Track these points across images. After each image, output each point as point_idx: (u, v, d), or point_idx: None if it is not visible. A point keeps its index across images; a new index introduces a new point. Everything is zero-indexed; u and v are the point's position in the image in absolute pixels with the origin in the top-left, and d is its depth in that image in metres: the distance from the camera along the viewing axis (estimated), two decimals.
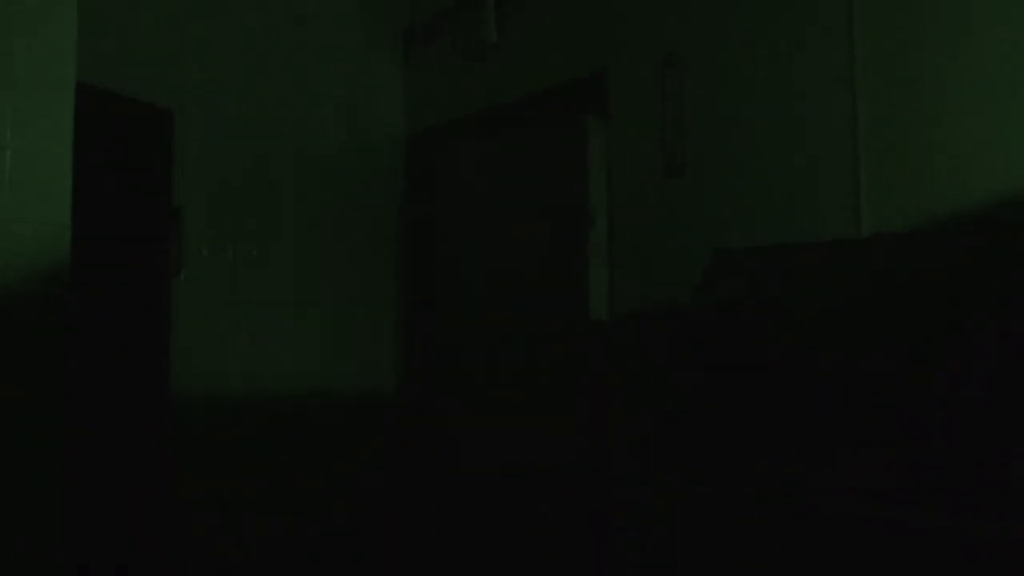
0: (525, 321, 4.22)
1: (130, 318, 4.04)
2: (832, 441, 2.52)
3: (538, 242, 4.21)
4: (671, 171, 3.74)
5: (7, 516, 2.24)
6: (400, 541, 4.97)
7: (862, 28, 3.10)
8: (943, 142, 2.82)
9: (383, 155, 5.36)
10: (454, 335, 4.69)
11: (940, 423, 2.28)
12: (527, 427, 4.15)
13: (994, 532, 2.14)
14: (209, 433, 4.28)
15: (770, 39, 3.41)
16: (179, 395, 4.15)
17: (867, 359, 2.49)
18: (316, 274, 4.90)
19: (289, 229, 4.81)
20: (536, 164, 4.28)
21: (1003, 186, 2.59)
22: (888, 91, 3.01)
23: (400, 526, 4.99)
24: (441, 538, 4.57)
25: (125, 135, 4.08)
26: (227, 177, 4.53)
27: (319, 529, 4.68)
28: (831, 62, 3.20)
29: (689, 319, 3.19)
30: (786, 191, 3.30)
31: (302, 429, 4.70)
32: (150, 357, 4.10)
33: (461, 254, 4.70)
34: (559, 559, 3.94)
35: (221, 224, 4.49)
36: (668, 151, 3.76)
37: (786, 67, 3.34)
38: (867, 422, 2.47)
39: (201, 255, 4.40)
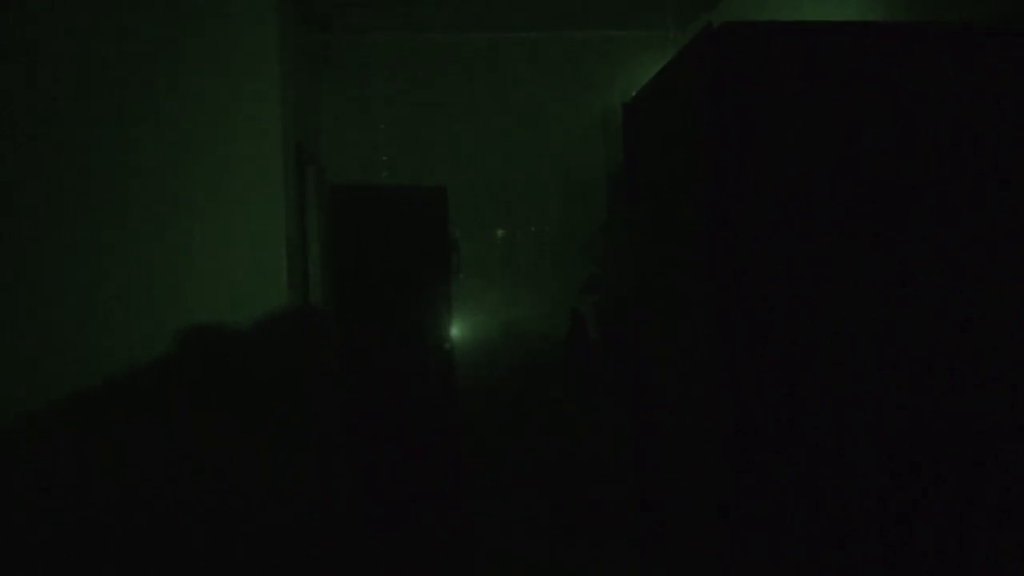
0: None
1: (436, 299, 7.57)
2: None
3: None
4: None
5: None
6: None
7: None
8: None
9: (585, 191, 8.35)
10: None
11: None
12: None
13: None
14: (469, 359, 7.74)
15: None
16: (457, 336, 7.64)
17: None
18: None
19: (520, 249, 8.06)
20: None
21: None
22: None
23: None
24: None
25: (425, 201, 7.59)
26: (480, 222, 7.90)
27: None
28: None
29: None
30: None
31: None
32: (444, 316, 7.59)
33: None
34: None
35: (478, 249, 7.89)
36: None
37: None
38: None
39: (467, 266, 7.85)
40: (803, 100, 2.48)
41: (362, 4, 7.87)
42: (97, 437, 4.71)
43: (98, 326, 5.30)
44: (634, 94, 3.55)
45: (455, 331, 7.67)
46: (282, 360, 5.45)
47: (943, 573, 2.50)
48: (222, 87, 5.82)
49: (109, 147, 5.42)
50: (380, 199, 7.40)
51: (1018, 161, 2.54)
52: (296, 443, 4.92)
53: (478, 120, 8.98)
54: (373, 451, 6.95)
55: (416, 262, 7.39)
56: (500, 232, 9.07)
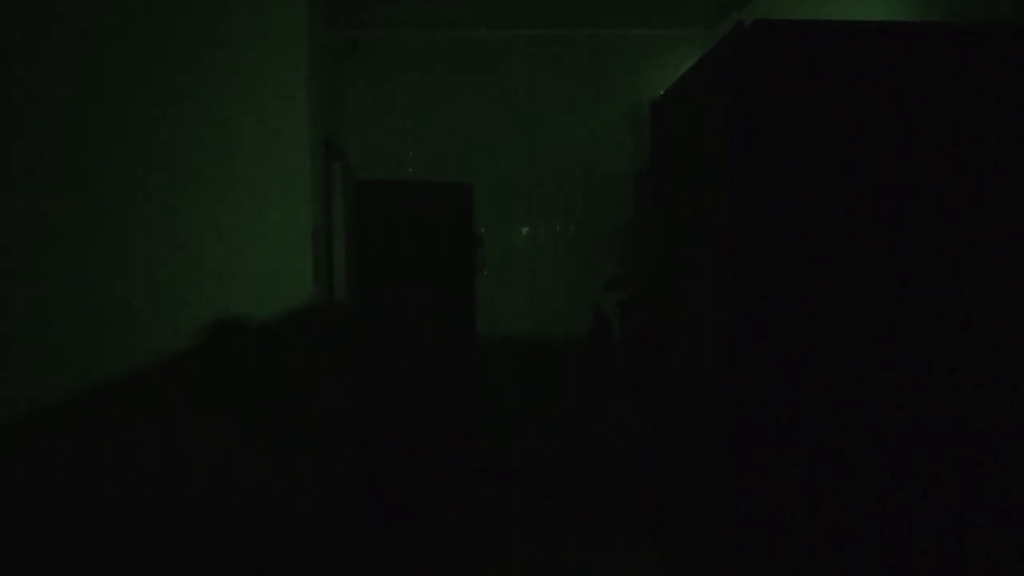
0: None
1: (460, 294, 7.59)
2: None
3: None
4: None
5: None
6: None
7: None
8: None
9: (610, 189, 8.34)
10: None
11: None
12: None
13: None
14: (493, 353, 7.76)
15: None
16: (481, 333, 7.66)
17: None
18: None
19: (545, 247, 8.06)
20: None
21: None
22: None
23: None
24: None
25: (451, 197, 7.61)
26: (505, 219, 7.91)
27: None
28: None
29: None
30: None
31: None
32: (469, 312, 7.61)
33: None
34: None
35: (503, 246, 7.90)
36: None
37: None
38: None
39: (491, 263, 7.86)
40: (834, 99, 2.48)
41: (389, 1, 7.91)
42: (110, 431, 4.78)
43: (123, 319, 5.37)
44: (663, 92, 3.54)
45: (479, 327, 7.69)
46: (304, 353, 5.49)
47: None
48: (250, 82, 5.87)
49: (134, 139, 5.48)
50: (405, 194, 7.43)
51: None
52: (303, 440, 4.96)
53: (504, 117, 8.99)
54: (386, 447, 6.99)
55: (441, 258, 7.42)
56: (525, 230, 9.09)
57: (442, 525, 4.92)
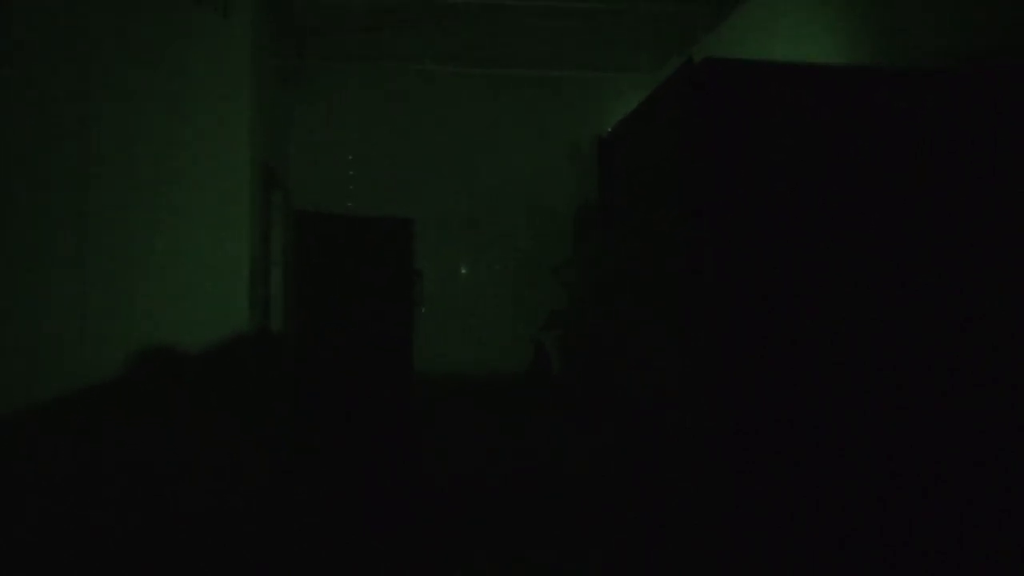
0: None
1: (398, 329, 7.51)
2: None
3: None
4: None
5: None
6: None
7: None
8: None
9: (552, 226, 8.42)
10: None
11: None
12: None
13: None
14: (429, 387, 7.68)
15: None
16: (420, 367, 7.59)
17: None
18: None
19: (484, 284, 8.08)
20: None
21: None
22: None
23: None
24: None
25: (391, 232, 7.58)
26: (445, 255, 7.90)
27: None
28: None
29: None
30: None
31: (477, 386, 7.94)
32: (405, 348, 7.53)
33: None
34: None
35: (443, 282, 7.88)
36: None
37: None
38: None
39: (430, 298, 7.83)
40: (777, 130, 2.59)
41: (336, 32, 7.92)
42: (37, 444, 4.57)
43: (52, 338, 5.16)
44: (610, 128, 3.61)
45: (418, 362, 7.63)
46: (234, 381, 5.36)
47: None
48: (193, 108, 5.79)
49: (72, 160, 5.33)
50: (346, 227, 7.36)
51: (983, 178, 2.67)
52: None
53: (448, 152, 9.04)
54: (319, 477, 6.82)
55: (380, 292, 7.35)
56: (466, 266, 9.10)
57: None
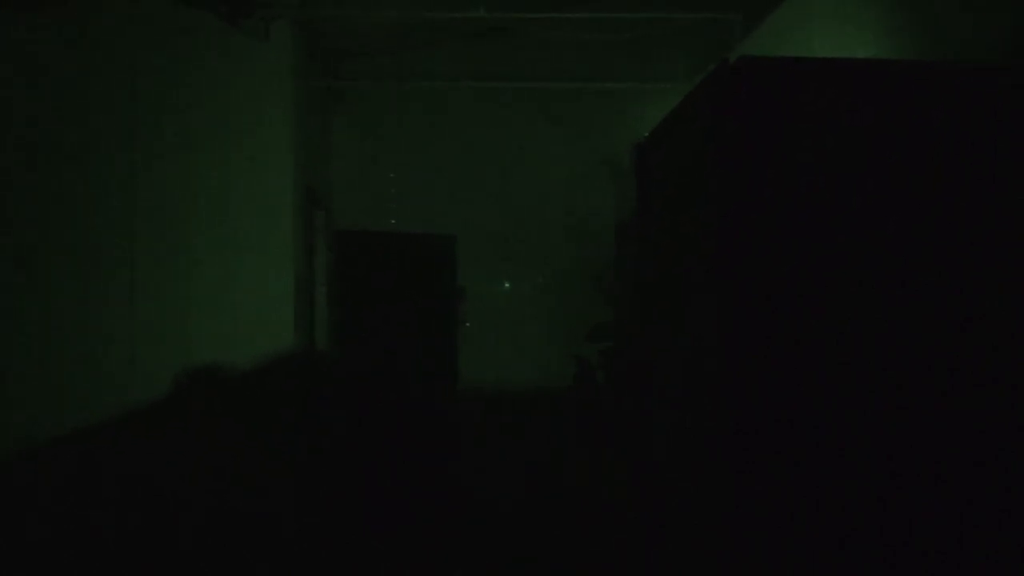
0: None
1: (442, 345, 7.55)
2: None
3: None
4: None
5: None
6: None
7: None
8: None
9: (592, 238, 8.40)
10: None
11: None
12: None
13: None
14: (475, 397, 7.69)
15: None
16: (464, 381, 7.60)
17: None
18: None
19: (527, 300, 8.08)
20: None
21: None
22: None
23: None
24: None
25: (434, 249, 7.63)
26: (488, 272, 7.93)
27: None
28: None
29: None
30: None
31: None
32: (451, 365, 7.56)
33: None
34: None
35: (486, 299, 7.90)
36: None
37: None
38: None
39: (474, 315, 7.85)
40: (812, 129, 2.56)
41: (374, 53, 8.03)
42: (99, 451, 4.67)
43: (104, 361, 5.28)
44: (647, 135, 3.60)
45: (462, 379, 7.63)
46: (281, 398, 5.42)
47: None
48: (237, 131, 5.91)
49: (120, 186, 5.47)
50: (388, 245, 7.43)
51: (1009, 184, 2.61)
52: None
53: (488, 168, 9.09)
54: (363, 497, 6.85)
55: (423, 310, 7.39)
56: (508, 280, 9.11)
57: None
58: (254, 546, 4.24)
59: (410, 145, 9.12)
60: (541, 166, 9.09)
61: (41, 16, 5.27)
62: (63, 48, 5.37)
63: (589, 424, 7.89)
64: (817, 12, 6.08)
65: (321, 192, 7.57)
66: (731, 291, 2.54)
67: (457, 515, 5.46)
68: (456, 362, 7.44)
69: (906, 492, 2.55)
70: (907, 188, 2.61)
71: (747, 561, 2.52)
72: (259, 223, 5.75)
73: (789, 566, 2.52)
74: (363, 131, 9.01)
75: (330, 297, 7.13)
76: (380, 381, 6.98)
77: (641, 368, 3.43)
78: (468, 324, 8.20)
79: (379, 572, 4.16)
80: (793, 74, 2.60)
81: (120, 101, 5.53)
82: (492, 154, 9.16)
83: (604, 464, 7.03)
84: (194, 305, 5.49)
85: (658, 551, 3.35)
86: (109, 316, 5.25)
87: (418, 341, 7.25)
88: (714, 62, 7.54)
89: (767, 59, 2.60)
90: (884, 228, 2.59)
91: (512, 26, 7.30)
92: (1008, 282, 2.61)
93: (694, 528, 2.89)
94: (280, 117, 6.01)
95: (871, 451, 2.55)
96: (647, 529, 3.42)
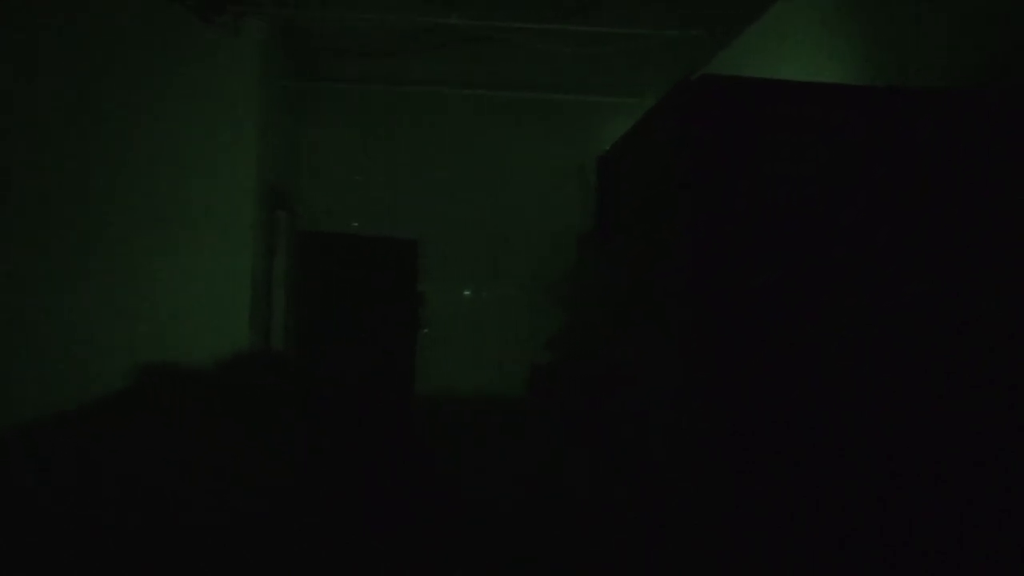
0: None
1: (400, 350, 7.48)
2: None
3: None
4: None
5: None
6: None
7: None
8: None
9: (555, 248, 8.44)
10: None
11: None
12: None
13: None
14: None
15: None
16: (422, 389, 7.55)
17: None
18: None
19: (487, 307, 8.06)
20: None
21: None
22: None
23: None
24: None
25: (396, 253, 7.58)
26: (449, 278, 7.90)
27: None
28: None
29: None
30: None
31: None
32: (407, 368, 7.49)
33: None
34: None
35: (448, 305, 7.88)
36: None
37: None
38: None
39: (433, 321, 7.83)
40: (768, 144, 2.62)
41: (346, 54, 7.98)
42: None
43: (57, 351, 5.17)
44: (608, 148, 3.63)
45: (420, 384, 7.59)
46: (231, 397, 5.34)
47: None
48: (200, 127, 5.83)
49: (77, 176, 5.37)
50: (349, 248, 7.38)
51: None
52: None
53: (455, 174, 9.07)
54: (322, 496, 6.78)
55: (382, 314, 7.34)
56: (467, 291, 9.09)
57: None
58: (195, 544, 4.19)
59: (379, 148, 9.07)
60: (509, 174, 9.09)
61: None
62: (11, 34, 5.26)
63: (540, 429, 7.88)
64: (785, 34, 6.18)
65: (286, 192, 7.50)
66: (700, 296, 2.61)
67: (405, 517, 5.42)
68: (413, 368, 7.42)
69: (880, 501, 2.60)
70: (865, 205, 2.68)
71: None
72: (219, 221, 5.68)
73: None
74: (334, 132, 8.94)
75: (288, 297, 7.07)
76: (336, 384, 6.91)
77: (610, 373, 3.46)
78: (427, 331, 8.14)
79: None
80: (751, 93, 2.66)
81: (78, 89, 5.43)
82: (460, 160, 9.14)
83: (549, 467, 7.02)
84: (147, 303, 5.39)
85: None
86: (61, 313, 5.15)
87: (376, 346, 7.21)
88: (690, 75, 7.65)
89: (724, 77, 2.66)
90: (844, 240, 2.67)
91: (484, 35, 7.31)
92: (968, 294, 2.69)
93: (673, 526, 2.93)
94: (246, 115, 5.95)
95: (842, 455, 2.60)
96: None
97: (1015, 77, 3.75)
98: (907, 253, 2.68)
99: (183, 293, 5.53)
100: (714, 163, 2.59)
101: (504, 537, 4.93)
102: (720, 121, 2.59)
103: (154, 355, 5.29)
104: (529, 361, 8.24)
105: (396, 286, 7.44)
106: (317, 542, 4.42)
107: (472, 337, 8.84)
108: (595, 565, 4.17)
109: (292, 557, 4.25)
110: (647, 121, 3.07)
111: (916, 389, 2.63)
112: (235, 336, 5.67)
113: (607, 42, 7.33)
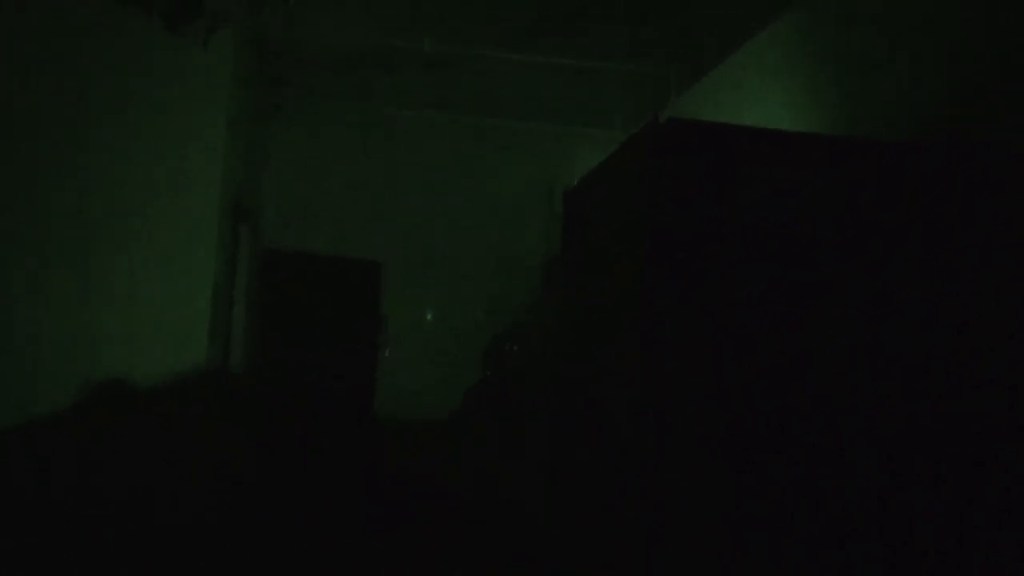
0: None
1: (360, 371, 7.42)
2: None
3: None
4: None
5: None
6: None
7: None
8: None
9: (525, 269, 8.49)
10: None
11: None
12: None
13: None
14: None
15: None
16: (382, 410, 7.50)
17: None
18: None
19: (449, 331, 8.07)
20: None
21: None
22: None
23: None
24: None
25: (359, 274, 7.55)
26: (412, 301, 7.89)
27: None
28: None
29: None
30: None
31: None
32: (367, 388, 7.43)
33: None
34: None
35: (407, 327, 7.86)
36: None
37: None
38: None
39: (394, 343, 7.80)
40: (731, 187, 2.72)
41: (317, 72, 7.98)
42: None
43: (8, 360, 5.04)
44: (576, 181, 3.68)
45: (380, 405, 7.55)
46: (187, 413, 5.27)
47: None
48: (163, 139, 5.77)
49: (33, 184, 5.29)
50: (313, 267, 7.34)
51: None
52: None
53: (423, 197, 9.09)
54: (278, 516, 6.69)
55: (343, 334, 7.30)
56: (430, 315, 9.09)
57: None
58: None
59: (346, 167, 9.06)
60: (476, 199, 9.13)
61: None
62: None
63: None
64: (750, 75, 6.33)
65: (250, 208, 7.44)
66: (657, 325, 2.66)
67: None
68: (373, 388, 7.38)
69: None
70: (821, 249, 2.77)
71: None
72: (180, 234, 5.61)
73: None
74: (302, 149, 8.92)
75: (249, 314, 7.00)
76: (294, 403, 6.85)
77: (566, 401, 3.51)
78: (388, 354, 8.10)
79: None
80: (717, 137, 2.73)
81: (35, 104, 5.35)
82: (427, 183, 9.17)
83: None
84: (105, 314, 5.30)
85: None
86: (13, 322, 5.03)
87: (336, 365, 7.16)
88: (651, 112, 7.77)
89: (690, 122, 2.74)
90: (800, 279, 2.77)
91: (456, 61, 7.37)
92: (909, 328, 2.79)
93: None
94: (211, 129, 5.91)
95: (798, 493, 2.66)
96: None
97: (964, 128, 3.90)
98: (863, 298, 2.77)
99: (141, 306, 5.44)
100: (678, 204, 2.66)
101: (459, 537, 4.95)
102: (685, 164, 2.66)
103: (109, 368, 5.20)
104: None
105: (358, 307, 7.40)
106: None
107: (434, 360, 8.83)
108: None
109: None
110: (614, 159, 3.13)
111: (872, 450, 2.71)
112: (193, 351, 5.60)
113: (578, 73, 7.43)
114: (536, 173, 9.07)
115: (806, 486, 2.66)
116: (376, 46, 7.10)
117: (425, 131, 9.01)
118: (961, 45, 4.05)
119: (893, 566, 2.69)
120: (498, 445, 7.74)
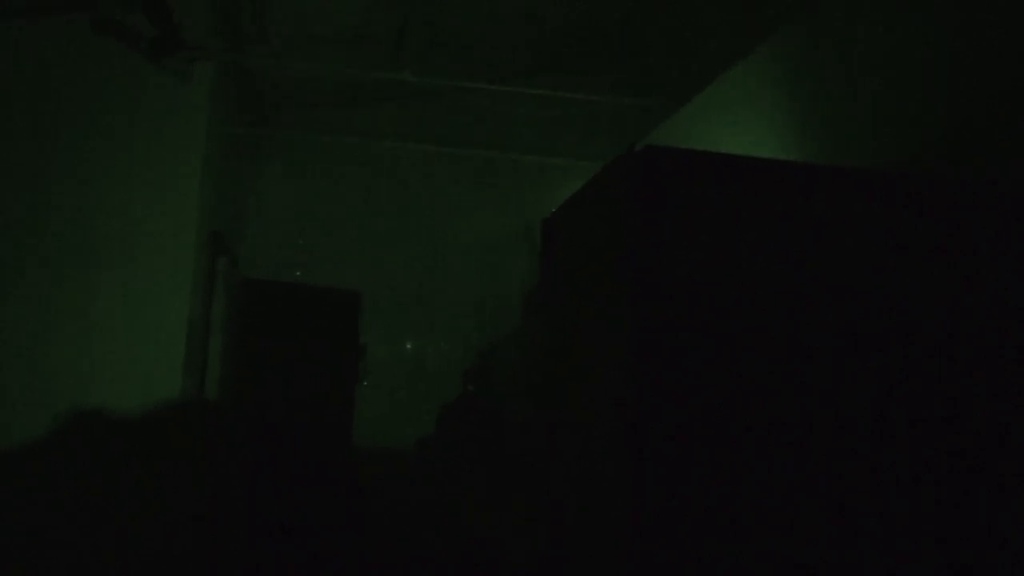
0: None
1: (339, 401, 7.35)
2: None
3: None
4: None
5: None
6: None
7: None
8: None
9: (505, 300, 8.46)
10: None
11: None
12: None
13: None
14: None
15: None
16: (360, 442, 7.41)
17: None
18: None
19: (429, 362, 8.00)
20: None
21: None
22: None
23: None
24: None
25: (338, 304, 7.50)
26: (392, 331, 7.83)
27: None
28: None
29: None
30: None
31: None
32: (346, 418, 7.35)
33: None
34: None
35: (388, 358, 7.79)
36: None
37: None
38: None
39: (374, 374, 7.73)
40: (709, 217, 2.72)
41: (298, 104, 7.99)
42: None
43: None
44: (553, 211, 3.68)
45: (358, 435, 7.46)
46: (157, 446, 5.17)
47: None
48: (144, 169, 5.74)
49: (19, 209, 5.24)
50: (292, 297, 7.28)
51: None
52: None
53: (401, 229, 9.07)
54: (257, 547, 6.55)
55: (322, 365, 7.22)
56: (410, 345, 9.03)
57: None
58: None
59: (326, 197, 9.05)
60: (456, 231, 9.13)
61: None
62: None
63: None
64: (727, 105, 6.39)
65: (229, 238, 7.39)
66: (639, 362, 2.64)
67: None
68: (351, 418, 7.29)
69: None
70: (798, 277, 2.78)
71: None
72: (157, 264, 5.55)
73: None
74: (280, 180, 8.90)
75: (225, 345, 6.91)
76: (270, 432, 6.75)
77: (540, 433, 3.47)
78: (366, 383, 8.02)
79: None
80: (691, 165, 2.74)
81: (14, 133, 5.31)
82: (408, 214, 9.16)
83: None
84: (79, 346, 5.22)
85: None
86: None
87: (315, 396, 7.07)
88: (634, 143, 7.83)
89: (666, 149, 2.73)
90: (776, 309, 2.76)
91: (438, 92, 7.39)
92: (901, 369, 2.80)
93: None
94: (192, 160, 5.87)
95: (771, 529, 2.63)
96: None
97: (944, 157, 3.94)
98: (844, 327, 2.77)
99: (116, 337, 5.37)
100: (653, 232, 2.65)
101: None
102: (661, 191, 2.66)
103: (81, 401, 5.11)
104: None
105: (337, 337, 7.33)
106: None
107: (413, 390, 8.75)
108: None
109: None
110: (590, 188, 3.13)
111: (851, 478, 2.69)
112: (168, 382, 5.51)
113: (559, 106, 7.47)
114: (518, 205, 9.09)
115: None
116: (357, 79, 7.11)
117: (406, 162, 9.02)
118: (939, 73, 4.11)
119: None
120: (472, 477, 7.69)
